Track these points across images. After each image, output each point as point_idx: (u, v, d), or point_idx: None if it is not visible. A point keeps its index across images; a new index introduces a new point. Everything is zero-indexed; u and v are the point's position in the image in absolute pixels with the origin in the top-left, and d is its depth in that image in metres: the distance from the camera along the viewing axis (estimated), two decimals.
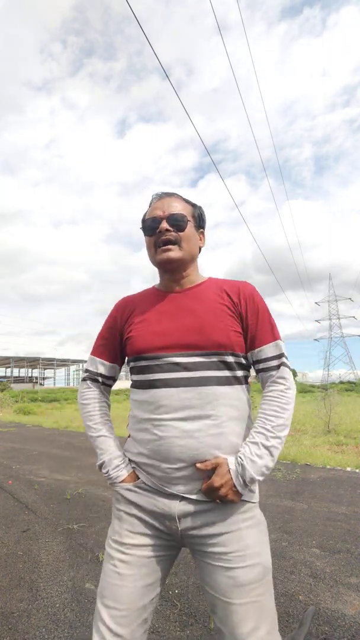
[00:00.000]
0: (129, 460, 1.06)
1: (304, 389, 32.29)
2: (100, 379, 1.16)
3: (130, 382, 1.13)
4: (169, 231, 1.07)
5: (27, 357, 58.31)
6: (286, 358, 1.04)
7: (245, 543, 0.93)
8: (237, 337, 1.02)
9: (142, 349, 1.04)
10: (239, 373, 1.02)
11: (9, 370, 61.99)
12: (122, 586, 0.93)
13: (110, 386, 1.21)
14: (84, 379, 1.18)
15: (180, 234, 1.08)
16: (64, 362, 66.22)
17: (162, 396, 0.98)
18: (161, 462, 0.97)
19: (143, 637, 0.95)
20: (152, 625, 1.74)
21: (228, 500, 0.92)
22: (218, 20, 7.79)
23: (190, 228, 1.10)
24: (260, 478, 0.93)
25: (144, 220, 1.13)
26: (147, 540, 0.98)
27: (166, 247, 1.07)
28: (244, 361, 1.04)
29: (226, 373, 1.00)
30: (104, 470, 1.06)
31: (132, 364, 1.09)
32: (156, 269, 1.16)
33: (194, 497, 0.95)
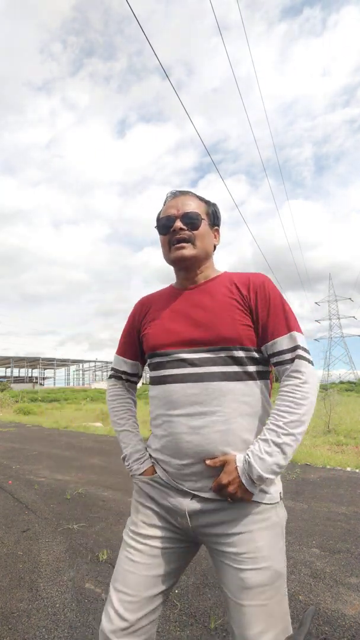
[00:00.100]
0: (150, 455, 1.08)
1: None
2: (123, 376, 1.22)
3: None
4: (183, 230, 1.07)
5: (27, 357, 58.33)
6: (303, 350, 0.97)
7: (257, 545, 0.91)
8: (246, 330, 0.99)
9: (154, 345, 1.06)
10: (251, 368, 0.99)
11: (9, 370, 62.02)
12: (133, 573, 0.96)
13: (135, 383, 1.25)
14: (110, 377, 1.25)
15: (195, 232, 1.07)
16: (64, 362, 66.22)
17: (170, 392, 1.00)
18: (172, 458, 0.99)
19: (150, 628, 0.95)
20: None
21: (238, 498, 0.91)
22: (218, 20, 7.79)
23: (204, 226, 1.10)
24: (271, 476, 0.89)
25: (158, 219, 1.13)
26: (160, 533, 1.00)
27: (180, 244, 1.07)
28: (256, 355, 1.00)
29: (235, 368, 0.97)
30: (125, 463, 1.11)
31: (148, 360, 1.13)
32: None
33: (205, 495, 0.95)
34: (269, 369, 1.05)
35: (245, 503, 0.93)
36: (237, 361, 0.98)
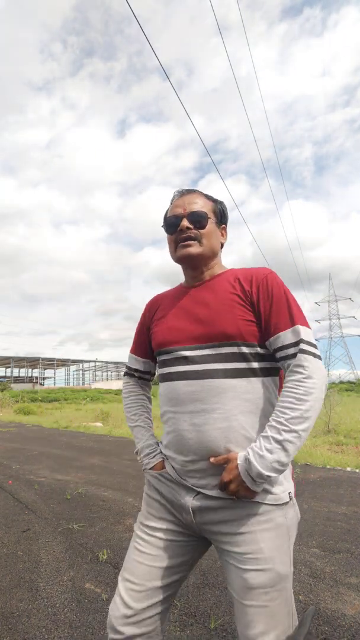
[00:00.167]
0: (162, 450, 1.11)
1: None
2: (136, 374, 1.26)
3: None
4: (189, 229, 1.06)
5: (27, 357, 58.34)
6: (308, 344, 0.93)
7: (259, 546, 0.90)
8: (248, 326, 0.97)
9: (160, 343, 1.08)
10: (255, 364, 0.97)
11: (9, 370, 62.04)
12: (140, 563, 0.99)
13: (149, 380, 1.29)
14: (124, 374, 1.30)
15: (201, 231, 1.07)
16: (64, 362, 66.24)
17: (174, 389, 1.02)
18: (177, 454, 1.00)
19: (154, 621, 0.95)
20: None
21: (241, 496, 0.90)
22: (218, 21, 7.79)
23: (211, 225, 1.09)
24: (272, 474, 0.87)
25: (165, 218, 1.12)
26: (168, 526, 1.02)
27: (186, 242, 1.07)
28: (261, 351, 0.98)
29: (237, 365, 0.96)
30: (138, 457, 1.15)
31: (157, 358, 1.15)
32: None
33: (208, 492, 0.95)
34: (277, 365, 1.01)
35: (249, 503, 0.92)
36: (239, 357, 0.96)
